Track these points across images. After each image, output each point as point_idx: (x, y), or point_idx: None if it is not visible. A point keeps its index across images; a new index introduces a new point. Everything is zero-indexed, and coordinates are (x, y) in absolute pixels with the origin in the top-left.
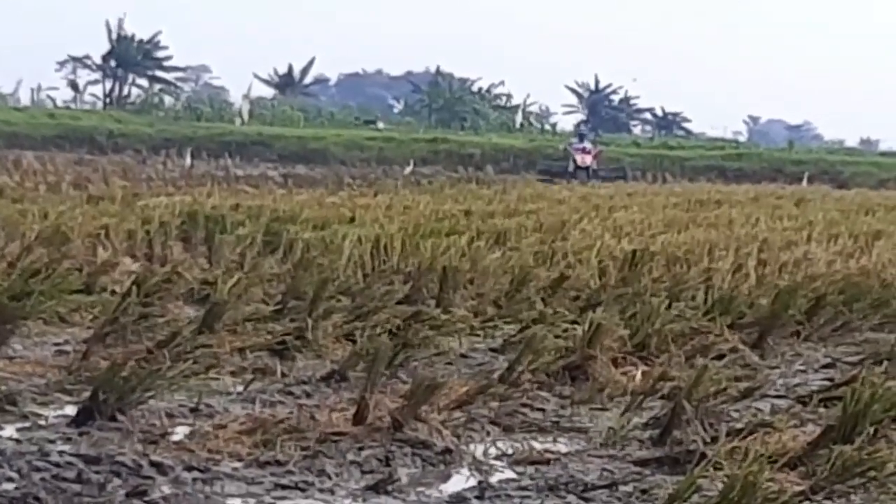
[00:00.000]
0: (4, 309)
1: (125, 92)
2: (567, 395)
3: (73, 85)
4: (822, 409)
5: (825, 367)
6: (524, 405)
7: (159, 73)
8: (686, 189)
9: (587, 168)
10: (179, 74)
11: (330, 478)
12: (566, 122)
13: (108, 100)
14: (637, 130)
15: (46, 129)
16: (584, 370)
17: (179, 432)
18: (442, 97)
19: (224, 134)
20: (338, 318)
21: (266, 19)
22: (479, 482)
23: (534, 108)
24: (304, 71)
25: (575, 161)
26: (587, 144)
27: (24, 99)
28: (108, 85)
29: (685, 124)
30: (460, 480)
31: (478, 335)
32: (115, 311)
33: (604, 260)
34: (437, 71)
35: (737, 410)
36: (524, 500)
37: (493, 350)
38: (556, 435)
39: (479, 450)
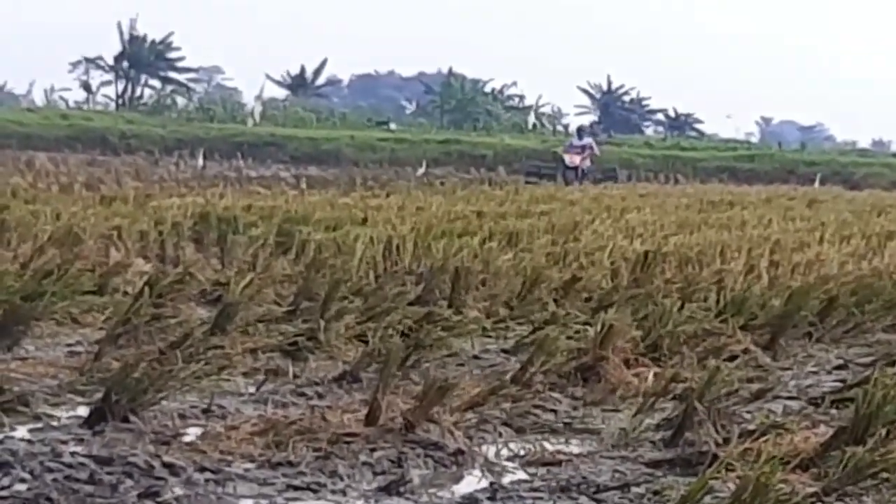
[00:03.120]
0: (17, 309)
1: (137, 93)
2: (579, 397)
3: (86, 86)
4: (834, 411)
5: (837, 368)
6: (536, 406)
7: (172, 74)
8: (698, 190)
9: (576, 168)
10: (192, 75)
11: (342, 479)
12: (579, 123)
13: (120, 101)
14: (649, 131)
15: (59, 129)
16: (597, 371)
17: (191, 433)
18: (454, 98)
19: (236, 135)
20: (350, 318)
21: (278, 20)
22: (491, 483)
23: (546, 109)
24: (317, 72)
25: (564, 161)
26: (587, 140)
27: (37, 100)
28: (121, 86)
29: (697, 125)
30: (472, 482)
31: (490, 336)
32: (128, 311)
33: (616, 261)
34: (450, 72)
35: (749, 412)
36: (536, 502)
37: (505, 351)
38: (568, 436)
39: (491, 451)
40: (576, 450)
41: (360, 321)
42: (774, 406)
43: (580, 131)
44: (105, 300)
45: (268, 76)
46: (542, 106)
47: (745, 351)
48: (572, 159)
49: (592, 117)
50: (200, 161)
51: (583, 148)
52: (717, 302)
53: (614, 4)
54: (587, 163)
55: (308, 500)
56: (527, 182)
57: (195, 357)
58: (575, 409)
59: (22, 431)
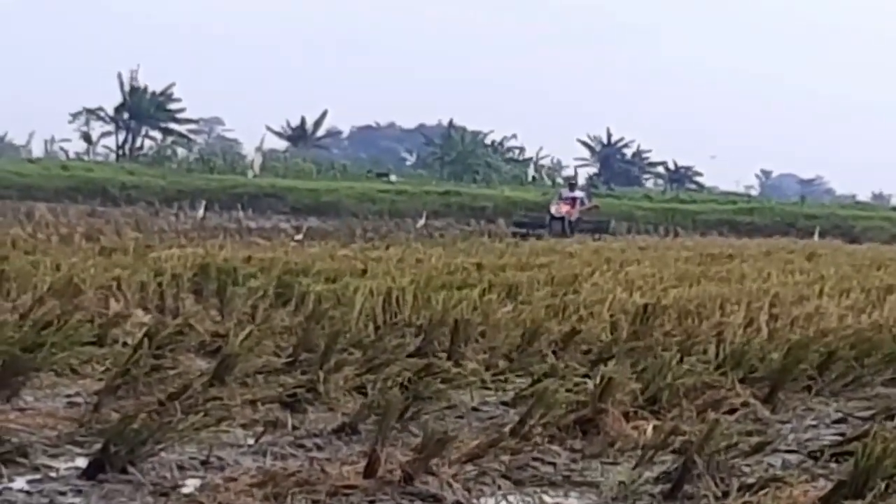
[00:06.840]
0: (17, 360)
1: (138, 144)
2: (578, 449)
3: (86, 137)
4: (833, 465)
5: (837, 422)
6: (535, 459)
7: (172, 126)
8: (698, 243)
9: (562, 218)
10: (192, 126)
11: None
12: (579, 176)
13: (120, 152)
14: (649, 184)
15: (59, 180)
16: (596, 424)
17: (190, 485)
18: (454, 150)
19: (236, 186)
20: (349, 370)
21: (279, 72)
22: None
23: (546, 162)
24: (317, 123)
25: (550, 212)
26: (578, 193)
27: (38, 151)
28: (121, 137)
29: (697, 178)
30: None
31: (489, 389)
32: (127, 363)
33: (615, 314)
34: (450, 124)
35: (748, 465)
36: None
37: (504, 404)
38: (568, 489)
39: None
40: (575, 503)
41: (360, 373)
42: (773, 460)
43: (571, 184)
44: (104, 351)
45: (268, 127)
46: (542, 158)
47: (745, 404)
48: (559, 209)
49: (592, 170)
50: (200, 212)
51: (573, 200)
52: (717, 355)
53: (615, 58)
54: (575, 214)
55: None
56: (513, 234)
57: (194, 408)
58: (574, 461)
59: (21, 483)
